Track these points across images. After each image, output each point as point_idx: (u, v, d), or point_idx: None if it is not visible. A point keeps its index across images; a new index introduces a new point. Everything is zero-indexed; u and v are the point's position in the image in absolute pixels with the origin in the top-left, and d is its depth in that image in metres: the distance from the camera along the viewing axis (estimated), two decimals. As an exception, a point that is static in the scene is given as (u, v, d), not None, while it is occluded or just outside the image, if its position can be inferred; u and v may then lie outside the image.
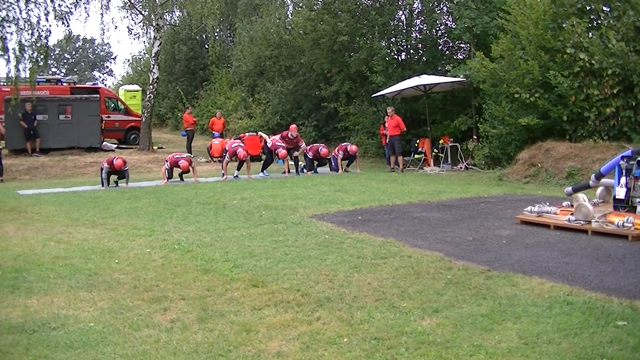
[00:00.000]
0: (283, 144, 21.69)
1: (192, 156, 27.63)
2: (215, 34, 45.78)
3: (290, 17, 36.05)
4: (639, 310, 6.48)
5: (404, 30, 29.61)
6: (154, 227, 11.97)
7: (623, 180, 11.33)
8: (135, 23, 37.74)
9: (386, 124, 23.88)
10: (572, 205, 11.51)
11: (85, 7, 37.21)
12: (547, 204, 11.84)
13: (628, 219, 10.37)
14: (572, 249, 9.52)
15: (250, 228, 11.64)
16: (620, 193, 11.28)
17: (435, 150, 24.46)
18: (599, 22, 20.20)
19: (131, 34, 61.44)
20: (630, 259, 8.81)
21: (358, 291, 7.45)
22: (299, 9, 32.47)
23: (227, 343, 5.91)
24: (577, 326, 6.06)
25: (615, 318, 6.26)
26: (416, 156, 24.65)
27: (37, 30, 23.75)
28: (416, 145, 24.95)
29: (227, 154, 21.43)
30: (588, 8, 20.37)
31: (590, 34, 19.20)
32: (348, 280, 7.93)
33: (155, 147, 31.66)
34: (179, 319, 6.64)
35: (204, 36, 47.06)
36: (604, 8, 20.39)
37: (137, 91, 42.03)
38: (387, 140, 23.79)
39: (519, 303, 6.83)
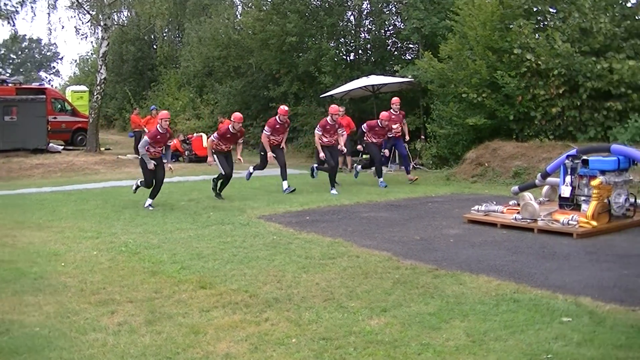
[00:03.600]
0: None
1: (139, 157, 27.47)
2: (164, 35, 45.46)
3: (239, 18, 35.92)
4: (583, 307, 6.56)
5: (353, 31, 29.76)
6: (101, 230, 11.82)
7: (568, 179, 11.48)
8: (82, 23, 37.24)
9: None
10: (518, 204, 11.63)
11: (32, 7, 36.90)
12: (494, 203, 11.94)
13: (573, 217, 10.52)
14: (519, 247, 9.62)
15: (198, 229, 11.57)
16: (566, 192, 11.43)
17: (383, 151, 24.49)
18: (545, 23, 20.47)
19: (78, 34, 61.11)
20: (575, 256, 8.94)
21: (306, 291, 7.43)
22: (248, 9, 32.45)
23: (175, 345, 5.85)
24: (523, 323, 6.12)
25: (560, 314, 6.33)
26: (364, 156, 24.68)
27: (-19, 30, 23.41)
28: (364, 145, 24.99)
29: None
30: (535, 10, 20.64)
31: (536, 35, 19.42)
32: (296, 281, 7.91)
33: (102, 149, 31.35)
34: (126, 321, 6.55)
35: (152, 36, 46.80)
36: (550, 10, 20.66)
37: (84, 92, 41.58)
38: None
39: (466, 301, 6.87)
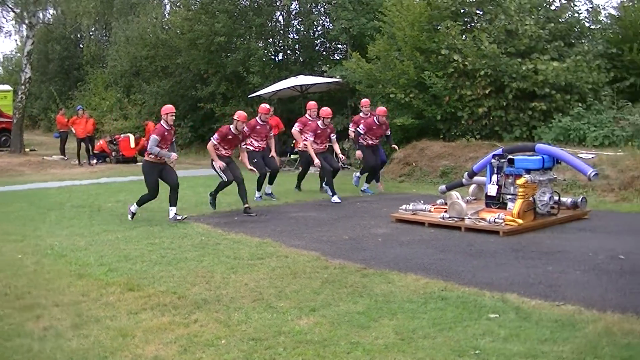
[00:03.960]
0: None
1: (65, 158, 27.04)
2: (91, 33, 44.86)
3: (167, 17, 35.61)
4: (509, 303, 6.66)
5: (282, 31, 29.76)
6: (25, 232, 11.60)
7: (494, 178, 11.65)
8: (6, 20, 36.57)
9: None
10: (446, 203, 11.75)
11: (-48, 3, 35.86)
12: (422, 202, 12.04)
13: (499, 215, 10.66)
14: (446, 245, 9.72)
15: (126, 231, 11.42)
16: (492, 190, 11.59)
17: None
18: (472, 25, 20.77)
19: (2, 32, 59.61)
20: (501, 254, 9.06)
21: (235, 292, 7.39)
22: (176, 8, 32.19)
23: (102, 349, 5.75)
24: (451, 320, 6.18)
25: (487, 311, 6.42)
26: (292, 156, 24.70)
27: None
28: (292, 145, 24.99)
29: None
30: (462, 11, 20.92)
31: (464, 36, 19.67)
32: (225, 282, 7.86)
33: (27, 150, 30.78)
34: (52, 326, 6.42)
35: (78, 35, 46.15)
36: (477, 11, 20.98)
37: (8, 92, 40.57)
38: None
39: (394, 300, 6.91)
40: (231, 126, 13.38)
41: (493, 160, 11.79)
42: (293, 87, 24.26)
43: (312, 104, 16.78)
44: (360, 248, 9.68)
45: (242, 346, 5.71)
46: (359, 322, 6.20)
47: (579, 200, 12.00)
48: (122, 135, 28.56)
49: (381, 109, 16.31)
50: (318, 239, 10.40)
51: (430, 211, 11.74)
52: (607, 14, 23.04)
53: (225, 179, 13.31)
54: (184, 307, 6.86)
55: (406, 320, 6.22)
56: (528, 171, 11.24)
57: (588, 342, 5.53)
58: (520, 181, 10.97)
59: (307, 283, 7.70)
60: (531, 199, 11.11)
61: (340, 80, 23.64)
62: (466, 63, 18.83)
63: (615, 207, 12.93)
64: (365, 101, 17.05)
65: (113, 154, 27.82)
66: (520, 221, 10.59)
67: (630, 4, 22.11)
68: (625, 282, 7.48)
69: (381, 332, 5.93)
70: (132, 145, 27.72)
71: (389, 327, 6.04)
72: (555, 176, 11.97)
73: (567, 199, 12.09)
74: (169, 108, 12.54)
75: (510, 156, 11.55)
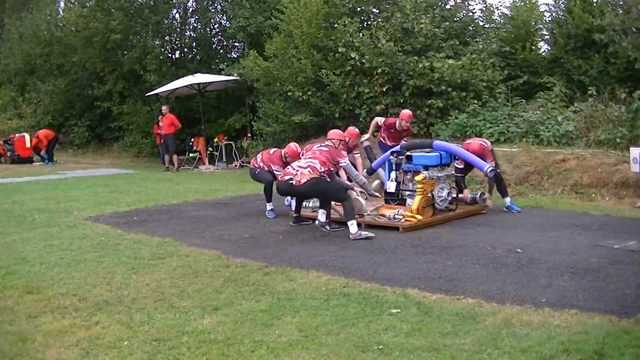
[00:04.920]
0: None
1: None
2: (-19, 31, 43.53)
3: (62, 14, 34.73)
4: (410, 298, 6.73)
5: (179, 29, 29.43)
6: None
7: (393, 174, 11.80)
8: None
9: (160, 123, 23.63)
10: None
11: None
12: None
13: (399, 211, 10.78)
14: (347, 242, 9.74)
15: (23, 233, 11.09)
16: (391, 187, 11.73)
17: (210, 149, 24.42)
18: (369, 22, 20.95)
19: None
20: (401, 249, 9.16)
21: (137, 293, 7.26)
22: (71, 5, 31.40)
23: (1, 355, 5.55)
24: (354, 316, 6.20)
25: (389, 306, 6.47)
26: (191, 155, 24.52)
27: None
28: (191, 144, 24.83)
29: None
30: (359, 9, 21.14)
31: (361, 34, 19.82)
32: (126, 282, 7.71)
33: None
34: (-56, 332, 6.19)
35: (-32, 32, 44.68)
36: (374, 10, 21.19)
37: None
38: (162, 139, 23.56)
39: (297, 297, 6.90)
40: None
41: (392, 157, 11.92)
42: (190, 85, 24.04)
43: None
44: (261, 246, 9.64)
45: (145, 347, 5.60)
46: (262, 320, 6.16)
47: (478, 195, 12.22)
48: (17, 135, 27.77)
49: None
50: (219, 237, 10.33)
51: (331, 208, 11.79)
52: (500, 14, 23.78)
53: None
54: (85, 309, 6.69)
55: (309, 318, 6.21)
56: (426, 168, 11.41)
57: (488, 334, 5.64)
58: (418, 177, 11.11)
59: (209, 282, 7.62)
60: (430, 195, 11.27)
61: (238, 78, 23.53)
62: (363, 61, 18.97)
63: (511, 201, 13.21)
64: (406, 115, 14.01)
65: (8, 154, 27.04)
66: (419, 217, 10.72)
67: (522, 3, 22.78)
68: (523, 274, 7.66)
69: (284, 329, 5.91)
70: (28, 145, 26.99)
71: (292, 325, 6.02)
72: (453, 172, 12.18)
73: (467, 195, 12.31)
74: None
75: (408, 153, 11.69)
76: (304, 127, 20.34)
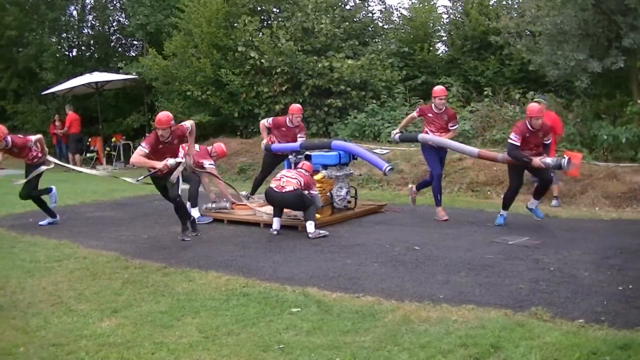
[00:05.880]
0: None
1: None
2: None
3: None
4: (310, 297, 6.76)
5: (76, 26, 28.82)
6: None
7: (293, 173, 11.78)
8: None
9: (56, 123, 23.18)
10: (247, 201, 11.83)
11: None
12: (225, 199, 12.03)
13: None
14: (246, 242, 9.76)
15: None
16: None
17: (108, 149, 24.04)
18: (270, 22, 20.98)
19: None
20: (301, 248, 9.21)
21: (32, 297, 7.08)
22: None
23: None
24: (254, 316, 6.20)
25: (289, 305, 6.49)
26: (88, 155, 24.09)
27: None
28: (88, 143, 24.36)
29: None
30: (259, 8, 21.12)
31: (261, 33, 19.82)
32: (21, 286, 7.51)
33: None
34: None
35: None
36: (275, 9, 21.21)
37: None
38: (58, 139, 23.15)
39: (197, 298, 6.86)
40: None
41: (290, 156, 11.95)
42: (88, 84, 23.61)
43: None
44: (160, 247, 9.56)
45: (42, 353, 5.48)
46: (162, 322, 6.11)
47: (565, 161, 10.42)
48: None
49: (295, 106, 12.82)
50: (117, 238, 10.18)
51: (232, 209, 11.77)
52: (399, 15, 24.12)
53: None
54: (-23, 315, 6.52)
55: (209, 318, 6.18)
56: (325, 167, 11.48)
57: (388, 331, 5.71)
58: (317, 177, 11.16)
59: (108, 284, 7.51)
60: (328, 194, 11.34)
61: (137, 77, 23.24)
62: (263, 60, 18.97)
63: (410, 200, 13.40)
64: (439, 90, 12.00)
65: None
66: (318, 216, 10.77)
67: (421, 5, 23.17)
68: (421, 272, 7.79)
69: (185, 330, 5.87)
70: None
71: (192, 326, 5.98)
72: (351, 171, 12.27)
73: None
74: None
75: (307, 152, 11.73)
76: (203, 126, 20.20)
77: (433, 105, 11.75)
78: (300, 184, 10.15)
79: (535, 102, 12.68)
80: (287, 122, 12.48)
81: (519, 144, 10.07)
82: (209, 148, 12.19)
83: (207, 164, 11.67)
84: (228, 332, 5.81)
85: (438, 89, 11.89)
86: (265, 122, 12.74)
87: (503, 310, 6.21)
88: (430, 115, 11.71)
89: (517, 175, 10.72)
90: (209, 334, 5.76)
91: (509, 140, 10.17)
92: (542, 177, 10.57)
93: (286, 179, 10.21)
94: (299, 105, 12.98)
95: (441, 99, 11.65)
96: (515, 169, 10.65)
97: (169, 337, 5.73)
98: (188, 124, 10.19)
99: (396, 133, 12.28)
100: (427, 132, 11.83)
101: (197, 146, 11.80)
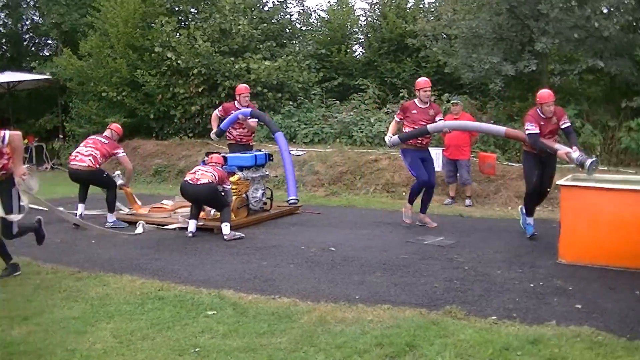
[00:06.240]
0: None
1: None
2: None
3: None
4: (226, 299, 6.76)
5: (-13, 25, 28.26)
6: None
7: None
8: None
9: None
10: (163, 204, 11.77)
11: None
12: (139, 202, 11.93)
13: (212, 212, 10.79)
14: (161, 244, 9.71)
15: None
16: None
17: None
18: (187, 22, 20.85)
19: None
20: (216, 251, 9.21)
21: (-63, 304, 6.91)
22: None
23: None
24: (169, 320, 6.16)
25: (205, 308, 6.48)
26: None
27: None
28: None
29: None
30: (177, 9, 20.96)
31: (178, 34, 19.68)
32: None
33: None
34: None
35: None
36: (192, 10, 21.09)
37: None
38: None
39: (111, 302, 6.77)
40: None
41: (206, 158, 11.89)
42: (-2, 84, 23.14)
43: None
44: (73, 251, 9.42)
45: (-53, 363, 5.35)
46: (75, 328, 6.00)
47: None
48: None
49: (242, 86, 12.51)
50: (28, 243, 9.85)
51: (149, 212, 11.68)
52: (317, 17, 24.21)
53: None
54: None
55: (124, 323, 6.11)
56: (241, 168, 11.47)
57: (304, 332, 5.73)
58: (233, 178, 11.15)
59: (19, 290, 7.35)
60: (244, 195, 11.33)
61: (50, 77, 22.83)
62: (179, 61, 18.84)
63: (325, 201, 13.47)
64: (423, 81, 11.06)
65: None
66: (233, 217, 10.76)
67: (339, 7, 23.32)
68: (337, 272, 7.85)
69: (99, 336, 5.78)
70: None
71: (106, 331, 5.90)
72: (267, 173, 12.29)
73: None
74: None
75: (223, 154, 11.70)
76: (118, 128, 20.01)
77: (417, 99, 10.88)
78: (215, 177, 10.15)
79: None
80: (236, 104, 12.22)
81: (538, 131, 9.23)
82: (107, 133, 11.79)
83: (121, 152, 11.44)
84: (143, 336, 5.75)
85: (422, 80, 11.03)
86: (216, 112, 12.51)
87: (418, 309, 6.31)
88: (414, 112, 10.79)
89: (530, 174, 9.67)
90: (123, 339, 5.69)
91: (527, 130, 9.25)
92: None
93: (201, 172, 10.21)
94: (244, 85, 12.75)
95: (426, 91, 10.77)
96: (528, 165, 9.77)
97: (82, 343, 5.64)
98: (8, 134, 7.49)
99: (391, 136, 10.94)
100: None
101: (102, 139, 11.52)
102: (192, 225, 10.29)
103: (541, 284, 7.29)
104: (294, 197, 11.16)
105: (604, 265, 7.96)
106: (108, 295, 7.04)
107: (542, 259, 8.45)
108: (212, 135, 12.35)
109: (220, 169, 10.53)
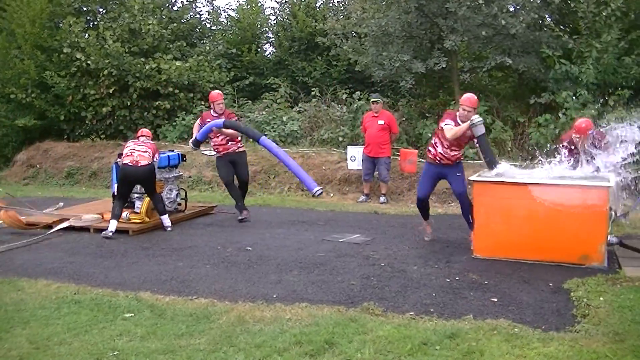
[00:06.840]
0: None
1: None
2: None
3: None
4: (143, 301, 6.76)
5: None
6: None
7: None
8: None
9: None
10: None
11: None
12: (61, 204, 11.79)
13: (126, 214, 10.70)
14: (76, 247, 9.59)
15: None
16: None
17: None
18: (96, 22, 20.53)
19: None
20: (132, 252, 9.17)
21: None
22: None
23: None
24: (86, 323, 6.12)
25: (122, 311, 6.47)
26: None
27: None
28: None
29: None
30: (85, 9, 20.63)
31: (87, 34, 19.37)
32: None
33: None
34: None
35: None
36: (100, 9, 20.80)
37: None
38: None
39: (26, 307, 6.69)
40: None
41: (119, 159, 11.80)
42: None
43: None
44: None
45: None
46: (-11, 335, 5.93)
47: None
48: None
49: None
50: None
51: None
52: (227, 16, 24.13)
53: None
54: None
55: (40, 328, 6.05)
56: (155, 169, 11.41)
57: (223, 332, 5.79)
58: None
59: None
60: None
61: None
62: (89, 62, 18.57)
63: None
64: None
65: None
66: (147, 219, 10.71)
67: (248, 7, 23.30)
68: (254, 272, 7.92)
69: (14, 342, 5.72)
70: None
71: (22, 337, 5.84)
72: (181, 173, 12.27)
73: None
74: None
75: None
76: (27, 130, 19.59)
77: (458, 115, 9.10)
78: (151, 155, 10.40)
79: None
80: (212, 113, 11.73)
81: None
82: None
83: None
84: (60, 341, 5.71)
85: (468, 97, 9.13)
86: (197, 122, 12.04)
87: (336, 307, 6.42)
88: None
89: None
90: (40, 345, 5.64)
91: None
92: None
93: (138, 153, 10.32)
94: (217, 91, 12.29)
95: (469, 110, 8.96)
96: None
97: (-3, 350, 5.58)
98: None
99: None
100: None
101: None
102: (112, 225, 10.21)
103: (457, 278, 7.48)
104: (319, 188, 10.67)
105: (518, 259, 8.19)
106: (23, 301, 6.95)
107: (457, 254, 8.66)
108: (190, 144, 12.06)
109: (151, 143, 10.68)
